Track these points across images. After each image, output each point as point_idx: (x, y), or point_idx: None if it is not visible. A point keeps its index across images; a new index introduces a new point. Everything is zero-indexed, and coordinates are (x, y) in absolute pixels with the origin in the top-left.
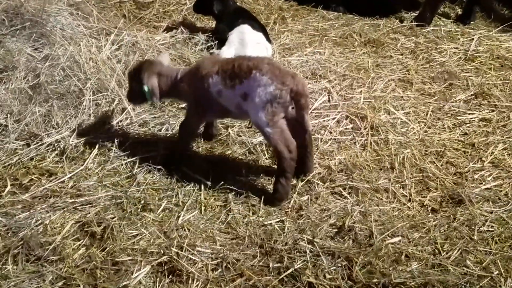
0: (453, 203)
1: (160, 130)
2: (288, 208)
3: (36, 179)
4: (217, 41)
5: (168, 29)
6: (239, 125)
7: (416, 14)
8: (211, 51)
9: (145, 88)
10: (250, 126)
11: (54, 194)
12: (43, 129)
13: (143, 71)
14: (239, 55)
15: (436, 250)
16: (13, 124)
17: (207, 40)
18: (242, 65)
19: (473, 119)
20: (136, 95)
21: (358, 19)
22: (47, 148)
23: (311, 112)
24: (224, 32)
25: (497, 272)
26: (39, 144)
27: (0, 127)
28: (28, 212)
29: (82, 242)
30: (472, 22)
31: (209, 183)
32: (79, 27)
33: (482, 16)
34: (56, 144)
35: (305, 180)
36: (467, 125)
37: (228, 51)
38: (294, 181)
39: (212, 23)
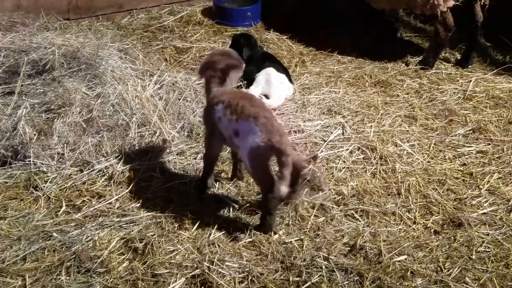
0: (453, 226)
1: (195, 159)
2: (307, 228)
3: (87, 200)
4: (246, 82)
5: None
6: None
7: (420, 59)
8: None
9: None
10: None
11: (103, 214)
12: (94, 157)
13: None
14: (251, 93)
15: (438, 268)
16: (68, 152)
17: (237, 81)
18: (245, 107)
19: (471, 151)
20: None
21: (369, 63)
22: (98, 173)
23: (327, 144)
24: (252, 74)
25: None
26: (90, 170)
27: (58, 155)
28: (80, 229)
29: (126, 256)
30: (470, 66)
31: (237, 206)
32: (127, 69)
33: (478, 61)
34: (105, 170)
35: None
36: (466, 156)
37: (255, 90)
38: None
39: None
